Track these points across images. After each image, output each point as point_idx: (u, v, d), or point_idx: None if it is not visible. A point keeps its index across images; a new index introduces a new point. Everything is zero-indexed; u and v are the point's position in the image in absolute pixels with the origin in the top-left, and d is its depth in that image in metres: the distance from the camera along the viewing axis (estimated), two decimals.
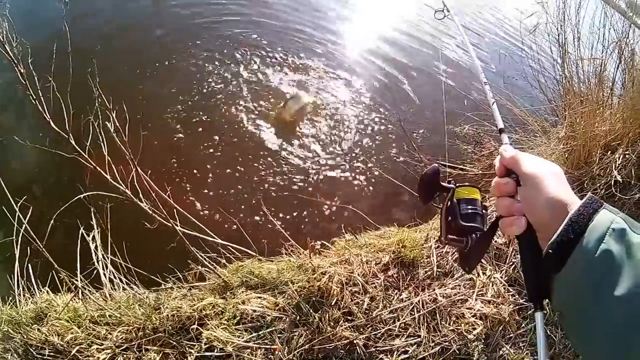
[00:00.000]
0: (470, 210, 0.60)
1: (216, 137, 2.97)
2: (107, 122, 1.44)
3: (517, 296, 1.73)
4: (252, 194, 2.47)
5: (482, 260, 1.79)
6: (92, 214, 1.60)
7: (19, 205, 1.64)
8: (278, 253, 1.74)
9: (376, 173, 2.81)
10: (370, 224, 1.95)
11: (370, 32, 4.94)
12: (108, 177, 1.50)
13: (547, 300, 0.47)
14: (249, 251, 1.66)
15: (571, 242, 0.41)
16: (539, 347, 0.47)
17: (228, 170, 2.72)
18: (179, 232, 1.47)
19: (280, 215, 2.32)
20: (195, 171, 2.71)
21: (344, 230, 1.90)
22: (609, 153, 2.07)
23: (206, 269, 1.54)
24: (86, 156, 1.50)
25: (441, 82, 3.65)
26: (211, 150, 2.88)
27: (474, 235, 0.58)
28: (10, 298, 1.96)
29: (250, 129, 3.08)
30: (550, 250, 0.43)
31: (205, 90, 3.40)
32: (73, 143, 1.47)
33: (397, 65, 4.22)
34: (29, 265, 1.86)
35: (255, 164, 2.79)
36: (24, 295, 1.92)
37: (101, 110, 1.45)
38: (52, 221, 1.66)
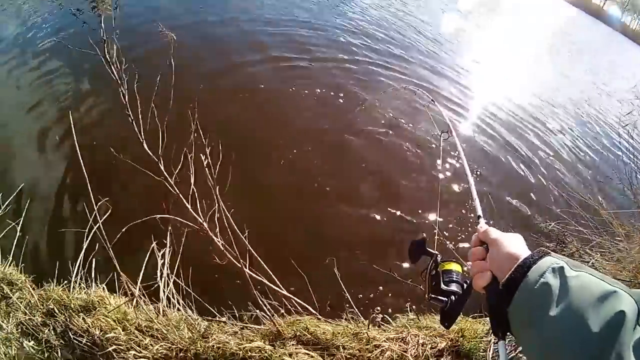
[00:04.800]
0: (449, 279, 0.76)
1: (315, 185, 3.06)
2: (201, 154, 1.45)
3: None
4: (328, 253, 2.44)
5: None
6: (169, 234, 1.62)
7: (99, 203, 1.70)
8: (338, 315, 1.71)
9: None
10: (435, 307, 1.87)
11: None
12: (189, 207, 1.52)
13: (508, 333, 0.56)
14: (310, 308, 1.63)
15: (518, 280, 0.52)
16: None
17: (310, 224, 2.78)
18: (247, 275, 1.47)
19: (350, 279, 2.16)
20: (279, 218, 2.76)
21: (408, 308, 1.84)
22: None
23: (264, 314, 1.53)
24: (172, 181, 1.52)
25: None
26: (299, 202, 2.96)
27: (453, 297, 0.73)
28: (65, 282, 2.05)
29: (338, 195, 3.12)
30: (503, 286, 0.54)
31: (305, 146, 3.51)
32: (162, 168, 1.50)
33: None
34: (94, 259, 1.93)
35: (339, 224, 2.83)
36: (79, 284, 2.01)
37: (196, 144, 1.46)
38: (124, 228, 1.71)
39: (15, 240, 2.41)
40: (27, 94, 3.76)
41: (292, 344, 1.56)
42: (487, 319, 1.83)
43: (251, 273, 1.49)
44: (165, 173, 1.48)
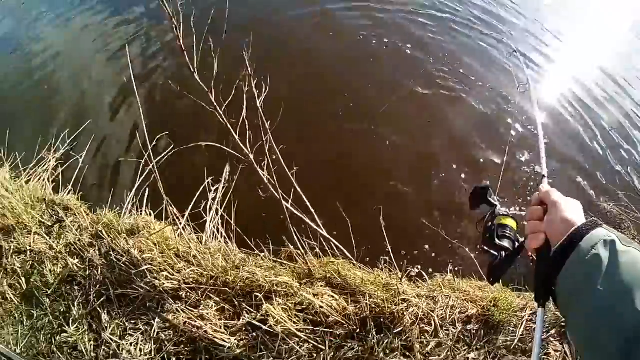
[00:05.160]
0: (502, 233, 0.75)
1: (374, 135, 3.00)
2: (255, 89, 1.48)
3: None
4: (377, 200, 2.34)
5: None
6: (225, 171, 1.69)
7: (157, 137, 1.82)
8: (375, 265, 1.70)
9: None
10: (477, 273, 1.80)
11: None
12: (236, 137, 1.57)
13: (550, 300, 0.57)
14: (346, 252, 1.64)
15: (571, 248, 0.52)
16: (535, 338, 0.59)
17: (365, 169, 2.73)
18: (285, 208, 1.50)
19: (396, 231, 2.05)
20: (332, 159, 2.73)
21: (449, 269, 1.78)
22: None
23: (298, 252, 1.57)
24: (221, 112, 1.58)
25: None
26: (354, 146, 2.93)
27: (503, 253, 0.72)
28: (117, 208, 2.24)
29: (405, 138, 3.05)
30: (555, 253, 0.54)
31: (380, 92, 3.38)
32: (212, 98, 1.55)
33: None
34: (146, 189, 2.09)
35: (395, 173, 2.77)
36: (129, 210, 2.18)
37: (248, 78, 1.49)
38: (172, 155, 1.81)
39: (77, 171, 2.67)
40: (88, 34, 4.00)
41: (321, 285, 1.58)
42: (525, 294, 1.74)
43: (291, 208, 1.52)
44: (215, 103, 1.53)
